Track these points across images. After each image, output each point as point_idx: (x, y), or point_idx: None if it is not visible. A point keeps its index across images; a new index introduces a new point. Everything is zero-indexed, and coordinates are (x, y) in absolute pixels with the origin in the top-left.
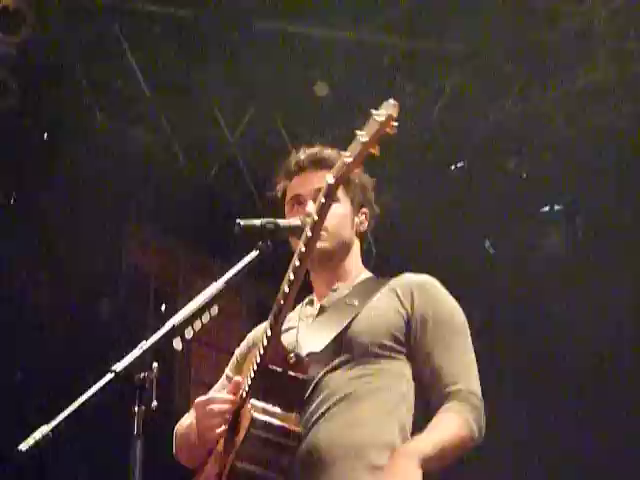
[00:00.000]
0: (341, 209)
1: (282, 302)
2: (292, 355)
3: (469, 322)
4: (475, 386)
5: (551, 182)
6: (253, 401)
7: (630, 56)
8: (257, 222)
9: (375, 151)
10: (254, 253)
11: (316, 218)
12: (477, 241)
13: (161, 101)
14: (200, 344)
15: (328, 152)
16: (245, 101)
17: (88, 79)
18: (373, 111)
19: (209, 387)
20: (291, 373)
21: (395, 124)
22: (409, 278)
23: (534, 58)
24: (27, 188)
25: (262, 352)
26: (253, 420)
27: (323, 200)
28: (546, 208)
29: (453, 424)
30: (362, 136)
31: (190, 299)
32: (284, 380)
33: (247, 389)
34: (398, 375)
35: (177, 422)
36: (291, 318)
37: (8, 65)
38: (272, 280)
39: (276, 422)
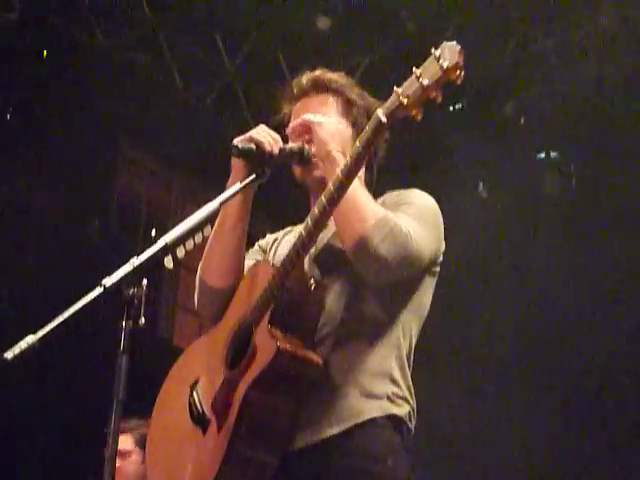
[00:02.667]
0: (345, 133)
1: (313, 229)
2: (312, 282)
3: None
4: (412, 228)
5: (548, 129)
6: (273, 328)
7: (633, 4)
8: (255, 145)
9: (439, 98)
10: (250, 177)
11: (362, 151)
12: (471, 184)
13: (162, 24)
14: (189, 271)
15: (331, 75)
16: (247, 30)
17: None
18: (435, 51)
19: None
20: (311, 299)
21: (462, 73)
22: (393, 194)
23: (539, 4)
24: (23, 104)
25: (282, 275)
26: (278, 350)
27: (371, 136)
28: (542, 154)
29: (376, 208)
30: (422, 77)
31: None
32: (303, 306)
33: (259, 310)
34: (394, 296)
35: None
36: (288, 238)
37: None
38: (265, 209)
39: (300, 353)
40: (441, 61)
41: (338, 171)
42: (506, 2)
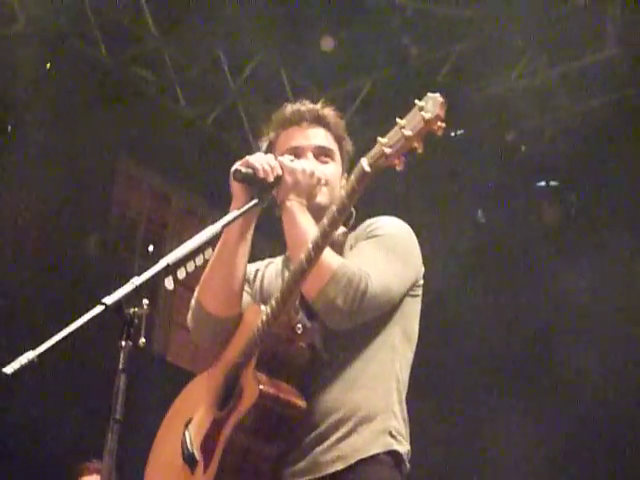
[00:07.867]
0: (338, 169)
1: (304, 270)
2: (299, 326)
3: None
4: (372, 273)
5: (549, 157)
6: (258, 372)
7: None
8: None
9: (420, 148)
10: (253, 201)
11: (346, 201)
12: (469, 209)
13: (166, 41)
14: (185, 288)
15: (329, 111)
16: (251, 49)
17: (95, 13)
18: (418, 102)
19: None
20: (299, 343)
21: (443, 125)
22: (364, 225)
23: (544, 32)
24: (24, 116)
25: (271, 318)
26: (261, 393)
27: (356, 185)
28: (542, 183)
29: (335, 258)
30: (405, 128)
31: (180, 242)
32: (290, 349)
33: (247, 352)
34: (383, 327)
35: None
36: (270, 272)
37: None
38: (263, 230)
39: (283, 396)
40: (423, 112)
41: (324, 220)
42: (509, 33)
